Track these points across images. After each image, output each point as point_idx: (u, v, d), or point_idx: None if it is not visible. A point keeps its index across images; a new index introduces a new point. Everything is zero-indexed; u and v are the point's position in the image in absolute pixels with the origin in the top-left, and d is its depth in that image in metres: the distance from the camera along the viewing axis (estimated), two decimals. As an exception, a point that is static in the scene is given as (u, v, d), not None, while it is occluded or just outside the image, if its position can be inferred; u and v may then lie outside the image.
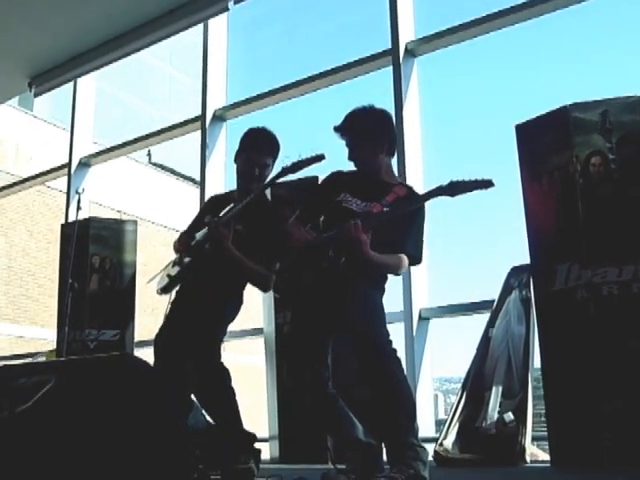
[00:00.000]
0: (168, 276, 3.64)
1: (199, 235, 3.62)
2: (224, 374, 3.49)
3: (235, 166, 3.69)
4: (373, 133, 3.07)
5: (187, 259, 3.62)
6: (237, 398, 3.48)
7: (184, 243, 3.66)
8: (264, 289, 3.68)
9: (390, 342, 2.85)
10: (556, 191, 3.85)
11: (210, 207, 3.83)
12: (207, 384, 3.49)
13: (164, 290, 3.65)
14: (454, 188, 2.81)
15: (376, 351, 2.82)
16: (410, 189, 3.07)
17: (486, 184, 2.78)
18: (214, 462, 3.34)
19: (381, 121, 3.15)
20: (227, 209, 3.56)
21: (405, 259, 2.91)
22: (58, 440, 2.22)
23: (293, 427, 4.63)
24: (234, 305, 3.64)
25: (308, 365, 2.96)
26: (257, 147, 3.65)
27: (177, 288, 3.67)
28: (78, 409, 2.27)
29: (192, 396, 3.57)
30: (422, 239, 2.99)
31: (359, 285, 2.84)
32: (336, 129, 3.12)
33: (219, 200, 3.84)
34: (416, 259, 3.00)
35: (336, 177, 3.19)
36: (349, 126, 3.11)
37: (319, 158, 3.38)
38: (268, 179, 3.61)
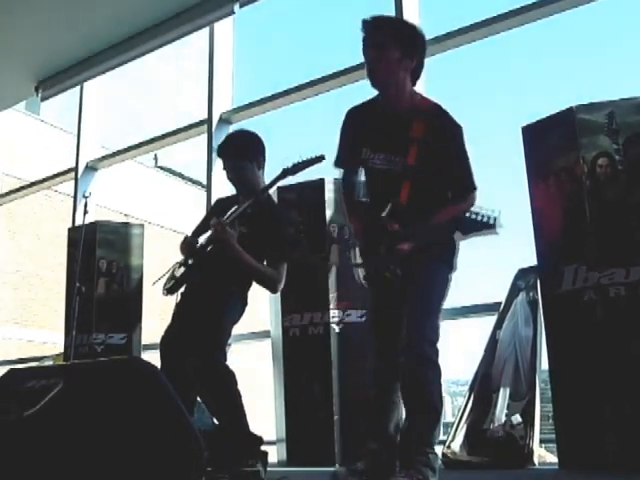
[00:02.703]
0: (173, 277, 3.68)
1: (204, 237, 3.65)
2: (230, 377, 3.50)
3: None
4: (404, 39, 2.84)
5: (191, 261, 3.65)
6: (243, 401, 3.49)
7: (189, 245, 3.69)
8: (273, 290, 3.70)
9: (433, 348, 2.79)
10: (563, 192, 3.84)
11: (216, 210, 3.86)
12: (213, 387, 3.49)
13: (169, 291, 3.68)
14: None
15: (415, 356, 2.76)
16: (432, 116, 2.85)
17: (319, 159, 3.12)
18: (221, 464, 3.35)
19: (414, 31, 2.91)
20: (231, 211, 3.59)
21: (464, 198, 2.79)
22: (66, 444, 2.22)
23: (300, 430, 4.64)
24: (237, 306, 3.66)
25: (383, 354, 2.92)
26: (224, 154, 3.74)
27: (182, 289, 3.70)
28: (86, 413, 2.27)
29: (197, 398, 3.58)
30: (468, 164, 2.85)
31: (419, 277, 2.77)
32: (364, 23, 2.86)
33: (225, 202, 3.87)
34: (472, 187, 2.88)
35: (352, 121, 3.02)
36: (379, 26, 2.85)
37: (319, 159, 3.42)
38: (269, 181, 3.63)
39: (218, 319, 3.56)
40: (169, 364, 3.55)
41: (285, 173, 3.50)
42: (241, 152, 3.69)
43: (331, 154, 3.22)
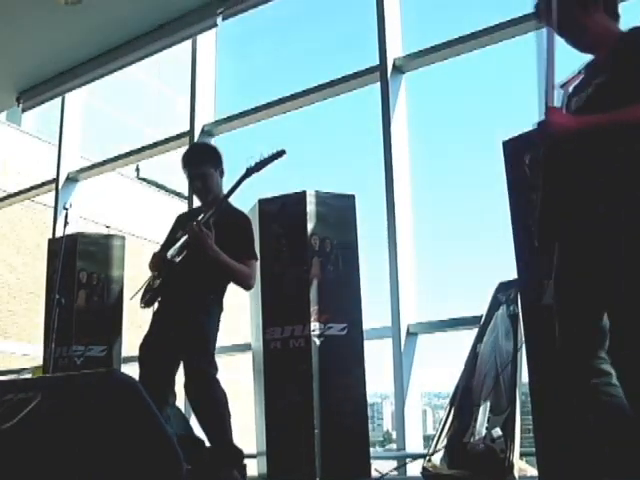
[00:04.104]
0: (150, 290, 3.71)
1: (173, 249, 3.69)
2: (224, 399, 3.54)
3: None
4: None
5: (164, 274, 3.69)
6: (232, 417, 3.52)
7: (157, 259, 3.73)
8: (247, 287, 3.78)
9: None
10: (543, 207, 3.85)
11: (180, 224, 3.91)
12: (208, 411, 3.54)
13: (147, 304, 3.72)
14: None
15: None
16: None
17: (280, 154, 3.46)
18: (202, 476, 3.35)
19: None
20: (199, 218, 3.65)
21: None
22: (43, 458, 2.20)
23: (281, 443, 4.62)
24: (217, 314, 3.70)
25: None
26: (190, 162, 3.83)
27: (159, 300, 3.74)
28: (65, 426, 2.25)
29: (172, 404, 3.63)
30: None
31: None
32: None
33: (188, 216, 3.95)
34: None
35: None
36: None
37: (280, 154, 3.52)
38: (235, 181, 3.70)
39: (203, 332, 3.60)
40: (147, 370, 3.59)
41: (249, 172, 3.60)
42: (207, 159, 3.80)
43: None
